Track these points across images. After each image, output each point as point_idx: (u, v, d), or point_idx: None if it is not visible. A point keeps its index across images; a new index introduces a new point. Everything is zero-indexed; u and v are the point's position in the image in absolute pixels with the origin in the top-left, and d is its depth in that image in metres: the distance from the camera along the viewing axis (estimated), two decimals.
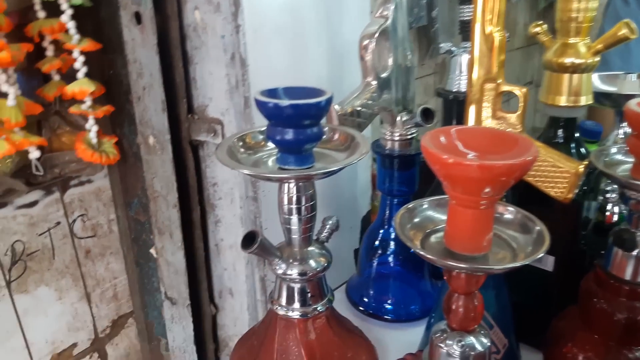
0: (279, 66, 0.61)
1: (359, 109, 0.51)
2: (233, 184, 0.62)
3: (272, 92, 0.43)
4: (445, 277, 0.36)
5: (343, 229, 0.76)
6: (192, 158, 0.64)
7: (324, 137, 0.46)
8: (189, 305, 0.69)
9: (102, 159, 0.68)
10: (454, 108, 0.56)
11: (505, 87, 0.43)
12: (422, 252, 0.33)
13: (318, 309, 0.47)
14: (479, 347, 0.36)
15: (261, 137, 0.47)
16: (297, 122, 0.42)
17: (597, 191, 0.53)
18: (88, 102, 0.67)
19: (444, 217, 0.37)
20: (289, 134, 0.42)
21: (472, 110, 0.45)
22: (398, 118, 0.55)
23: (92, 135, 0.69)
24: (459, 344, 0.35)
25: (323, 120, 0.50)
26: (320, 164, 0.44)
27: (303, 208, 0.45)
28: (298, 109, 0.41)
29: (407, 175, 0.57)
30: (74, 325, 0.86)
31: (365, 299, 0.61)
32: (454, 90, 0.57)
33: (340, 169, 0.41)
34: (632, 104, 0.38)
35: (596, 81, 0.56)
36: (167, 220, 0.67)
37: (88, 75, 0.66)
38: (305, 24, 0.62)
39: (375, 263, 0.62)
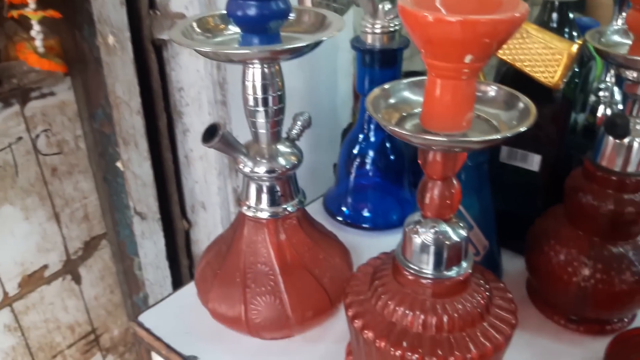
0: None
1: None
2: (200, 88, 0.58)
3: None
4: (420, 162, 0.33)
5: (322, 143, 0.72)
6: (156, 59, 0.59)
7: (292, 17, 0.41)
8: (159, 219, 0.66)
9: (50, 65, 0.62)
10: None
11: None
12: (396, 129, 0.30)
13: (288, 209, 0.44)
14: (454, 237, 0.33)
15: (222, 22, 0.42)
16: None
17: (586, 90, 0.49)
18: (32, 5, 0.60)
19: (422, 100, 0.34)
20: (252, 9, 0.37)
21: None
22: (380, 7, 0.50)
23: (38, 44, 0.63)
24: (433, 230, 0.32)
25: (295, 3, 0.45)
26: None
27: (270, 98, 0.41)
28: None
29: (389, 74, 0.53)
30: (44, 246, 0.83)
31: (344, 208, 0.59)
32: None
33: (310, 45, 0.36)
34: None
35: None
36: (132, 128, 0.63)
37: None
38: None
39: (354, 172, 0.58)
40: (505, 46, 0.39)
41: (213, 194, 0.63)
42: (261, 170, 0.42)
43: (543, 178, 0.47)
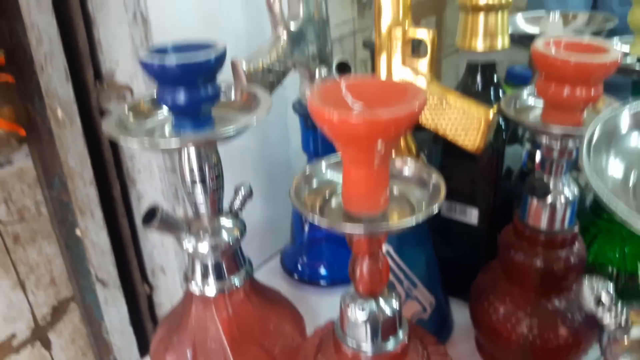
0: (188, 23, 0.56)
1: (268, 66, 0.47)
2: (150, 155, 0.58)
3: (161, 51, 0.39)
4: (347, 240, 0.34)
5: (278, 196, 0.73)
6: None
7: (224, 98, 0.43)
8: (120, 286, 0.66)
9: (6, 124, 0.62)
10: None
11: (412, 33, 0.39)
12: (317, 219, 0.31)
13: (235, 283, 0.44)
14: (387, 312, 0.34)
15: (153, 104, 0.43)
16: (187, 82, 0.38)
17: (517, 137, 0.51)
18: None
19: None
20: (180, 97, 0.38)
21: (383, 59, 0.42)
22: (316, 72, 0.52)
23: None
24: (363, 312, 0.33)
25: (229, 79, 0.46)
26: (220, 126, 0.41)
27: (207, 177, 0.41)
28: (186, 69, 0.37)
29: None
30: (10, 315, 0.82)
31: (300, 267, 0.59)
32: None
33: (241, 130, 0.37)
34: (538, 44, 0.35)
35: (520, 22, 0.54)
36: (86, 198, 0.63)
37: None
38: None
39: (307, 228, 0.59)
40: (427, 114, 0.40)
41: (171, 258, 0.63)
42: (204, 248, 0.42)
43: (482, 230, 0.49)
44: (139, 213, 0.65)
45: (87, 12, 0.58)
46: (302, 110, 0.54)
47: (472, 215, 0.48)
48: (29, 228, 0.82)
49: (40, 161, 0.75)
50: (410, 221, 0.30)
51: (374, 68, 0.56)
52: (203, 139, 0.37)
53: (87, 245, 0.68)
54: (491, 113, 0.38)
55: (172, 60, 0.36)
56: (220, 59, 0.38)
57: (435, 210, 0.30)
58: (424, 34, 0.39)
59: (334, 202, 0.35)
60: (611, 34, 0.50)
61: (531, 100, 0.40)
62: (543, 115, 0.37)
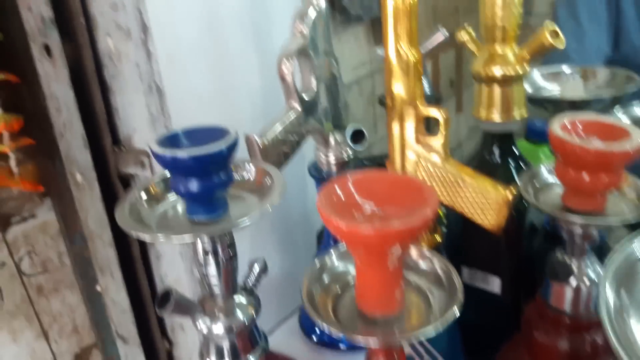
0: (203, 92, 0.57)
1: (282, 138, 0.47)
2: None
3: (171, 139, 0.39)
4: None
5: (297, 249, 0.72)
6: (124, 193, 0.61)
7: (238, 177, 0.42)
8: (140, 344, 0.66)
9: (28, 185, 0.64)
10: None
11: (425, 112, 0.39)
12: (330, 330, 0.30)
13: None
14: None
15: (165, 186, 0.43)
16: (200, 173, 0.38)
17: None
18: (5, 135, 0.63)
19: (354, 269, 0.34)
20: (193, 186, 0.38)
21: (396, 131, 0.41)
22: (331, 139, 0.51)
23: (15, 170, 0.65)
24: None
25: (245, 156, 0.46)
26: (236, 209, 0.41)
27: (221, 258, 0.41)
28: (199, 160, 0.37)
29: None
30: None
31: (318, 329, 0.58)
32: None
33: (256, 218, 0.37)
34: (555, 127, 0.34)
35: (537, 78, 0.52)
36: (106, 259, 0.64)
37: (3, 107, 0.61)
38: (229, 42, 0.58)
39: None
40: (444, 191, 0.39)
41: None
42: (219, 330, 0.42)
43: (505, 299, 0.47)
44: (158, 272, 0.65)
45: (103, 80, 0.59)
46: (317, 174, 0.53)
47: (494, 284, 0.47)
48: (52, 278, 0.83)
49: (62, 216, 0.76)
50: (429, 331, 0.29)
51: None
52: (217, 230, 0.37)
53: (108, 303, 0.68)
54: (509, 194, 0.37)
55: (184, 152, 0.36)
56: (233, 147, 0.37)
57: (457, 314, 0.29)
58: (437, 114, 0.38)
59: (347, 297, 0.34)
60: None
61: (551, 178, 0.39)
62: (563, 198, 0.36)
